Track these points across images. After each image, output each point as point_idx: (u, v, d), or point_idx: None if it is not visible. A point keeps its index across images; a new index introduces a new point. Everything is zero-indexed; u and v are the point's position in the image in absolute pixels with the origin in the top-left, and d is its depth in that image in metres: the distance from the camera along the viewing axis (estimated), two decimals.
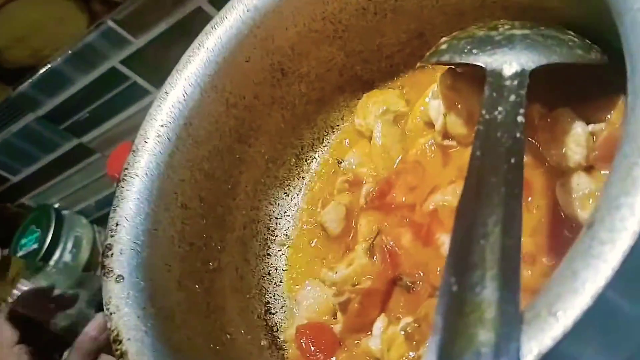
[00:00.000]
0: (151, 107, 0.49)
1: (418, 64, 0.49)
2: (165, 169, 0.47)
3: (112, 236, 0.44)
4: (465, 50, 0.41)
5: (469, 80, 0.45)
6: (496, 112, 0.35)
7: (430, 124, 0.50)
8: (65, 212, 0.87)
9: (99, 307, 0.97)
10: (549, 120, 0.42)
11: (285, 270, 0.54)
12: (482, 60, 0.39)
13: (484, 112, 0.35)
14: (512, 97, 0.35)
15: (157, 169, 0.47)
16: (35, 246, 0.85)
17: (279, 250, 0.55)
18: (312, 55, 0.53)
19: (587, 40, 0.40)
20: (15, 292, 0.94)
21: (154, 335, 0.38)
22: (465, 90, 0.45)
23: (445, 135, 0.48)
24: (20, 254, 0.86)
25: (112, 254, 0.43)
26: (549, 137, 0.42)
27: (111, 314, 0.40)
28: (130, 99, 0.87)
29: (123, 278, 0.41)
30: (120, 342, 0.38)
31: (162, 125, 0.48)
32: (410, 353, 0.41)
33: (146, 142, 0.48)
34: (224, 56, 0.49)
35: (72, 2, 0.77)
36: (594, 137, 0.40)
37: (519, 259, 0.28)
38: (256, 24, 0.49)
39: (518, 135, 0.33)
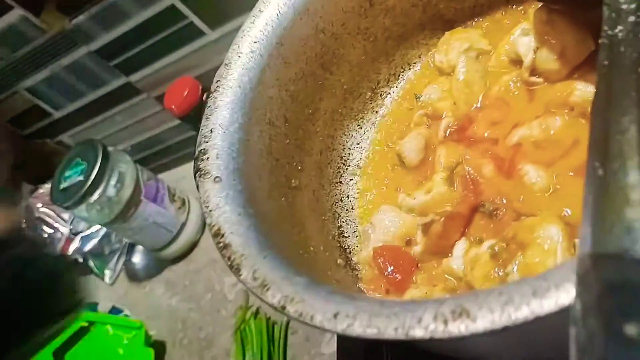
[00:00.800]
0: (244, 23, 0.50)
1: None
2: (256, 84, 0.48)
3: (206, 142, 0.45)
4: None
5: (564, 16, 0.46)
6: (617, 30, 0.36)
7: (514, 62, 0.51)
8: (110, 147, 0.87)
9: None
10: None
11: (356, 198, 0.55)
12: None
13: (605, 28, 0.36)
14: (632, 19, 0.36)
15: (250, 82, 0.48)
16: (80, 178, 0.85)
17: (350, 179, 0.56)
18: None
19: None
20: None
21: (256, 231, 0.39)
22: (560, 26, 0.46)
23: (533, 71, 0.49)
24: (63, 185, 0.86)
25: (208, 158, 0.44)
26: None
27: (210, 210, 0.41)
28: (184, 40, 0.88)
29: (221, 179, 0.42)
30: (222, 235, 0.39)
31: (255, 42, 0.49)
32: (497, 270, 0.42)
33: (239, 56, 0.49)
34: None
35: None
36: None
37: None
38: None
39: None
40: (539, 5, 0.47)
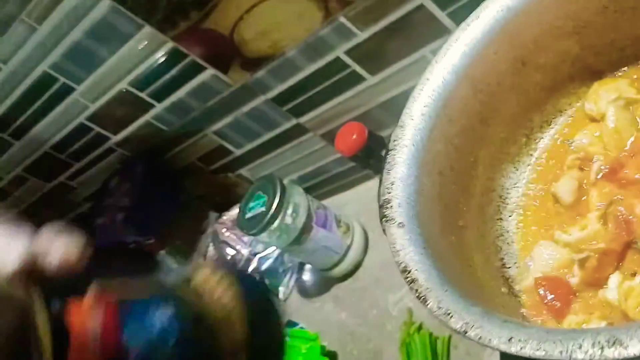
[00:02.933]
0: (414, 91, 0.60)
1: None
2: (427, 142, 0.58)
3: (389, 192, 0.55)
4: None
5: None
6: None
7: None
8: (285, 181, 1.00)
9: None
10: None
11: (515, 232, 0.63)
12: None
13: None
14: None
15: (421, 141, 0.58)
16: (262, 209, 0.99)
17: (509, 216, 0.64)
18: (551, 49, 0.61)
19: None
20: None
21: (436, 269, 0.49)
22: None
23: None
24: (248, 215, 1.00)
25: (392, 206, 0.54)
26: None
27: (398, 251, 0.51)
28: (347, 85, 0.99)
29: (403, 225, 0.52)
30: (409, 271, 0.49)
31: (424, 106, 0.59)
32: None
33: (412, 119, 0.59)
34: (478, 49, 0.59)
35: (312, 1, 0.90)
36: None
37: None
38: (507, 22, 0.58)
39: None
40: None
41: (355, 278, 1.03)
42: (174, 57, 0.97)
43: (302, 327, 1.05)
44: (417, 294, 0.47)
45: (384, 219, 0.54)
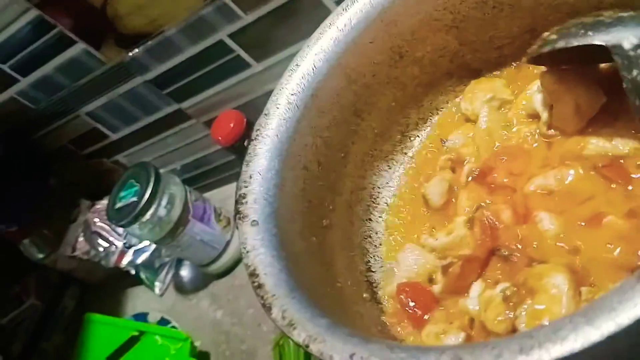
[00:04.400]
0: (282, 77, 0.55)
1: (529, 54, 0.51)
2: (293, 133, 0.53)
3: (245, 187, 0.50)
4: (580, 34, 0.45)
5: (573, 74, 0.50)
6: (634, 74, 0.39)
7: (532, 115, 0.54)
8: (161, 170, 0.94)
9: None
10: None
11: (384, 234, 0.60)
12: (600, 39, 0.43)
13: (625, 73, 0.40)
14: None
15: (287, 132, 0.53)
16: (134, 199, 0.92)
17: (379, 217, 0.61)
18: (429, 42, 0.58)
19: None
20: None
21: (287, 273, 0.44)
22: (571, 83, 0.50)
23: (550, 126, 0.52)
24: (118, 205, 0.93)
25: (247, 202, 0.49)
26: None
27: (247, 252, 0.46)
28: (231, 71, 0.93)
29: (257, 223, 0.47)
30: (257, 275, 0.44)
31: (292, 94, 0.54)
32: (508, 313, 0.46)
33: (277, 107, 0.54)
34: (352, 36, 0.55)
35: None
36: None
37: None
38: (384, 9, 0.54)
39: None
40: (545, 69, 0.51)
41: (234, 275, 0.99)
42: (39, 26, 0.88)
43: (173, 326, 0.99)
44: (262, 302, 0.42)
45: (237, 216, 0.49)
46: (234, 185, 1.08)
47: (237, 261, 0.99)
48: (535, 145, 0.53)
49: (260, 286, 0.43)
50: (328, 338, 0.38)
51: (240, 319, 0.94)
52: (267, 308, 0.42)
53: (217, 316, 0.98)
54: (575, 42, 0.45)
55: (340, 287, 0.52)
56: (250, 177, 0.50)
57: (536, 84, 0.52)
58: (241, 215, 0.48)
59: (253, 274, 0.44)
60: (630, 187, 0.47)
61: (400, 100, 0.60)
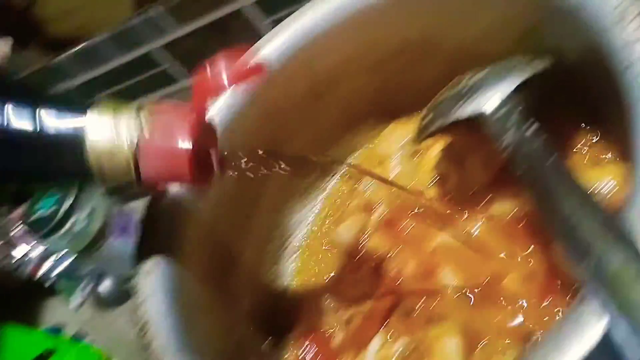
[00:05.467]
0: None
1: (418, 141, 0.50)
2: None
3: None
4: (450, 111, 0.45)
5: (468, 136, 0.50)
6: (504, 142, 0.40)
7: (439, 174, 0.54)
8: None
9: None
10: None
11: (292, 278, 0.58)
12: (467, 111, 0.44)
13: (499, 146, 0.40)
14: (510, 123, 0.40)
15: None
16: (53, 208, 0.88)
17: (287, 260, 0.60)
18: (348, 82, 0.57)
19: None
20: None
21: (179, 331, 0.42)
22: (478, 137, 0.50)
23: (457, 184, 0.52)
24: (37, 214, 0.89)
25: (143, 250, 0.47)
26: None
27: (139, 303, 0.44)
28: (157, 85, 0.91)
29: (152, 274, 0.45)
30: (147, 332, 0.42)
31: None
32: None
33: None
34: (270, 71, 0.53)
35: None
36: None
37: None
38: (305, 45, 0.53)
39: (537, 145, 0.38)
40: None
41: None
42: None
43: (90, 341, 0.96)
44: None
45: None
46: None
47: None
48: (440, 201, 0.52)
49: (148, 344, 0.41)
50: None
51: None
52: None
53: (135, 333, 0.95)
54: (450, 119, 0.45)
55: (236, 342, 0.50)
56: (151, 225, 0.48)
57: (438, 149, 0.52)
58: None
59: (142, 329, 0.42)
60: (531, 247, 0.47)
61: (319, 138, 0.59)
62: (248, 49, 0.43)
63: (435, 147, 0.55)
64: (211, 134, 0.40)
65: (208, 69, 0.37)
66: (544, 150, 0.38)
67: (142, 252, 0.46)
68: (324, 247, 0.59)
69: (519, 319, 0.44)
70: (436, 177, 0.53)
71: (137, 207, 1.02)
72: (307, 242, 0.60)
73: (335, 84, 0.56)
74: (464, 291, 0.48)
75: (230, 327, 0.50)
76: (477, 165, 0.50)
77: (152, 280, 0.45)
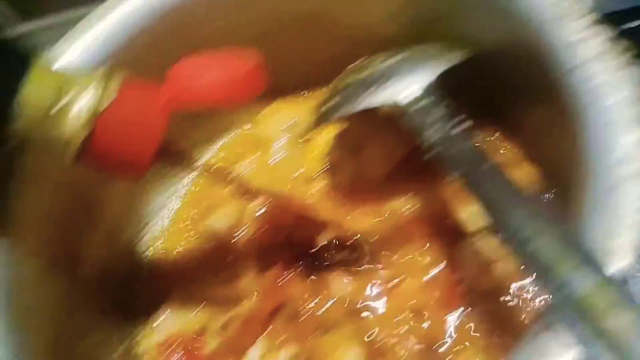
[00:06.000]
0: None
1: (316, 123, 0.45)
2: None
3: None
4: (359, 96, 0.41)
5: (368, 123, 0.46)
6: (426, 136, 0.36)
7: (329, 165, 0.49)
8: None
9: None
10: None
11: (152, 269, 0.49)
12: (381, 98, 0.40)
13: (421, 140, 0.36)
14: (432, 117, 0.37)
15: None
16: None
17: (144, 251, 0.50)
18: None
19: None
20: None
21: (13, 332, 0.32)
22: (379, 124, 0.46)
23: (354, 173, 0.47)
24: None
25: None
26: (459, 197, 0.43)
27: None
28: None
29: None
30: None
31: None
32: None
33: None
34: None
35: None
36: None
37: None
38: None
39: (468, 147, 0.35)
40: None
41: None
42: None
43: None
44: None
45: None
46: None
47: None
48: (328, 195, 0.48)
49: None
50: None
51: None
52: None
53: None
54: (358, 107, 0.41)
55: (90, 343, 0.40)
56: None
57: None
58: None
59: None
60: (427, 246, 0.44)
61: (184, 113, 0.50)
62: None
63: (325, 133, 0.50)
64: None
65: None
66: (476, 153, 0.35)
67: None
68: (188, 239, 0.50)
69: (424, 323, 0.41)
70: (326, 166, 0.48)
71: None
72: (169, 233, 0.51)
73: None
74: (357, 299, 0.44)
75: (75, 337, 0.40)
76: (376, 156, 0.46)
77: None
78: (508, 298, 0.39)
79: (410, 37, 0.44)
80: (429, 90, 0.38)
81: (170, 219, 0.52)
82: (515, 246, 0.30)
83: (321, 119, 0.43)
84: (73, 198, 0.44)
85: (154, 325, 0.45)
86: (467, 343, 0.39)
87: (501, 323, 0.39)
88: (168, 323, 0.45)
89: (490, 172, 0.33)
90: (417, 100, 0.38)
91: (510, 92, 0.42)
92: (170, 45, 0.45)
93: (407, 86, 0.39)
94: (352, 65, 0.44)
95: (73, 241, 0.44)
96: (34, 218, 0.39)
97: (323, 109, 0.43)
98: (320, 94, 0.51)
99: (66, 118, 0.31)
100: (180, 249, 0.50)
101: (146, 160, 0.33)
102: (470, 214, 0.42)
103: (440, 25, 0.44)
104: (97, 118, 0.32)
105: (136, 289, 0.49)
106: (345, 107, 0.41)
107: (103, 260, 0.46)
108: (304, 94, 0.53)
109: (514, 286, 0.40)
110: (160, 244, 0.51)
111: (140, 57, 0.44)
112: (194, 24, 0.46)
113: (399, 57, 0.41)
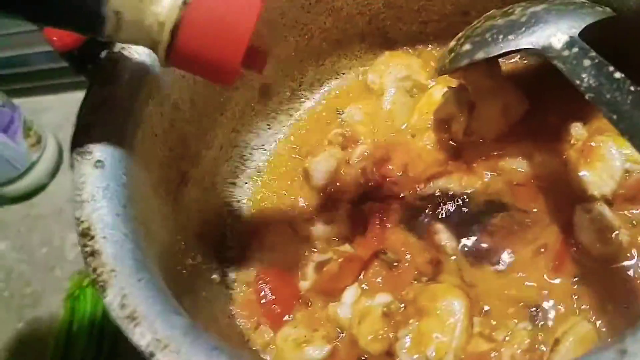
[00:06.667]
0: None
1: (443, 70, 0.44)
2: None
3: (91, 113, 0.37)
4: (500, 40, 0.39)
5: (499, 72, 0.44)
6: (585, 79, 0.35)
7: (442, 119, 0.48)
8: None
9: None
10: (590, 143, 0.41)
11: (245, 205, 0.50)
12: (525, 42, 0.38)
13: (577, 82, 0.35)
14: (587, 62, 0.35)
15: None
16: None
17: (245, 183, 0.51)
18: None
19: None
20: None
21: (134, 242, 0.33)
22: (501, 81, 0.44)
23: (467, 129, 0.46)
24: None
25: (92, 134, 0.36)
26: (583, 160, 0.41)
27: (83, 202, 0.33)
28: None
29: (104, 165, 0.35)
30: (92, 237, 0.32)
31: None
32: (387, 332, 0.39)
33: None
34: None
35: None
36: (627, 175, 0.40)
37: None
38: None
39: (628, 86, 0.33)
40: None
41: (32, 204, 0.83)
42: None
43: None
44: (94, 277, 0.31)
45: (76, 150, 0.35)
46: (53, 97, 0.90)
47: (40, 188, 0.83)
48: (438, 147, 0.46)
49: (94, 253, 0.31)
50: (184, 348, 0.28)
51: (30, 257, 0.79)
52: (101, 287, 0.30)
53: (1, 248, 0.81)
54: (496, 51, 0.40)
55: (190, 265, 0.41)
56: (103, 102, 0.37)
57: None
58: (81, 150, 0.35)
59: (86, 234, 0.32)
60: (535, 210, 0.42)
61: (301, 51, 0.50)
62: None
63: (437, 88, 0.48)
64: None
65: None
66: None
67: (89, 131, 0.36)
68: (287, 177, 0.50)
69: (526, 289, 0.39)
70: (438, 120, 0.46)
71: (24, 104, 0.86)
72: (270, 168, 0.51)
73: None
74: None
75: (180, 254, 0.40)
76: (491, 114, 0.44)
77: (100, 178, 0.34)
78: (625, 268, 0.37)
79: None
80: (576, 40, 0.36)
81: (270, 159, 0.52)
82: None
83: (451, 63, 0.41)
84: (186, 124, 0.44)
85: (246, 257, 0.45)
86: (575, 310, 0.37)
87: (613, 294, 0.37)
88: (261, 257, 0.45)
89: None
90: (568, 45, 0.36)
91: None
92: None
93: (555, 32, 0.37)
94: (486, 14, 0.42)
95: (180, 169, 0.44)
96: (152, 137, 0.40)
97: (453, 54, 0.41)
98: (426, 53, 0.50)
99: None
100: (278, 190, 0.50)
101: (235, 62, 0.31)
102: (595, 177, 0.39)
103: None
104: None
105: (229, 224, 0.49)
106: (483, 51, 0.40)
107: (202, 189, 0.47)
108: (411, 50, 0.52)
109: (633, 256, 0.37)
110: (259, 183, 0.51)
111: None
112: None
113: (542, 5, 0.39)
